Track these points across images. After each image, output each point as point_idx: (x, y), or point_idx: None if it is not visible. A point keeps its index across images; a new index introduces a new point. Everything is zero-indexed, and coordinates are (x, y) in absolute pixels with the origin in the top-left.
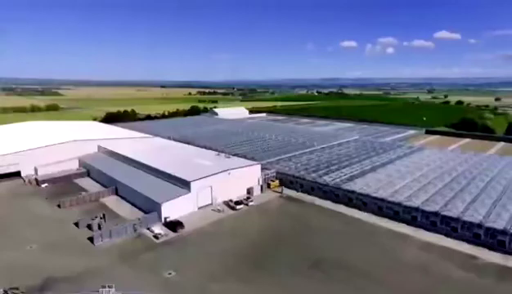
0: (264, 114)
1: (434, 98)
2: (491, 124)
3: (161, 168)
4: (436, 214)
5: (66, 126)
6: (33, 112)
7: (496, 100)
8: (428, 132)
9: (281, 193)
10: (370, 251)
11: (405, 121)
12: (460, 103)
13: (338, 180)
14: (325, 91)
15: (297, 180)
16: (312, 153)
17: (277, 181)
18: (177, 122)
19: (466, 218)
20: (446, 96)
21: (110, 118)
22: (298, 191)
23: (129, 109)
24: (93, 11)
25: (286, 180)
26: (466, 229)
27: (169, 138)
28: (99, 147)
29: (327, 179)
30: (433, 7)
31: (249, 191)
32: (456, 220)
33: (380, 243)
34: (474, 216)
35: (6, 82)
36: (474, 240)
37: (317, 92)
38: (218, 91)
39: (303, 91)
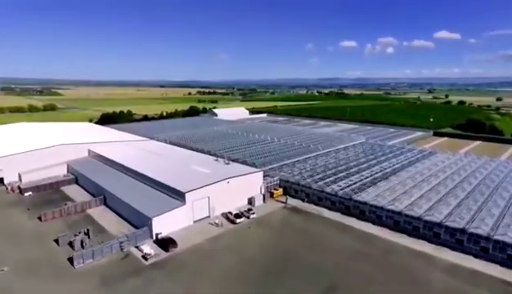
0: (265, 115)
1: (435, 98)
2: (498, 125)
3: (154, 176)
4: (462, 231)
5: (58, 127)
6: (30, 112)
7: (498, 100)
8: (435, 134)
9: (285, 203)
10: (388, 273)
11: (410, 122)
12: (462, 103)
13: (347, 189)
14: (326, 91)
15: (302, 188)
16: (317, 157)
17: (281, 190)
18: (174, 124)
19: (498, 237)
20: (446, 96)
21: (106, 119)
22: (303, 201)
23: (129, 109)
24: (94, 11)
25: (291, 189)
26: (499, 250)
27: (165, 141)
28: (89, 151)
29: (335, 188)
30: (433, 7)
31: (251, 201)
32: (487, 238)
33: (399, 264)
34: (508, 234)
35: (6, 82)
36: (509, 262)
37: (318, 92)
38: (218, 90)
39: (303, 91)
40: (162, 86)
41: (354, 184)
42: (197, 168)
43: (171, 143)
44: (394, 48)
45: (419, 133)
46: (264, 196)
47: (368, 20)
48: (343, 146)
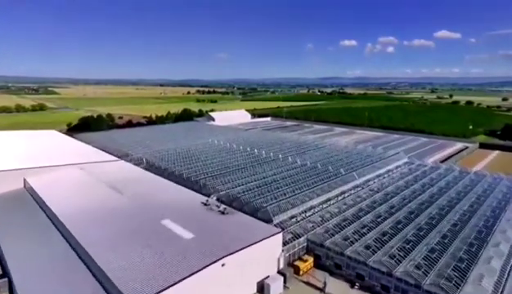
0: (269, 118)
1: (439, 98)
2: None
3: (92, 252)
4: None
5: (9, 138)
6: (17, 112)
7: (503, 100)
8: (482, 146)
9: (323, 291)
10: None
11: (440, 128)
12: (469, 103)
13: (434, 273)
14: (328, 90)
15: (349, 262)
16: (356, 192)
17: (310, 260)
18: (161, 132)
19: None
20: (451, 96)
21: (83, 125)
22: (353, 286)
23: (109, 113)
24: (93, 9)
25: (327, 258)
26: None
27: (141, 161)
28: (25, 182)
29: (411, 268)
30: (434, 6)
31: (263, 288)
32: None
33: None
34: None
35: (4, 81)
36: None
37: (319, 92)
38: (218, 90)
39: (304, 91)
40: (161, 85)
41: (440, 255)
42: (172, 227)
43: (148, 164)
44: (394, 47)
45: (459, 144)
46: (285, 276)
47: (369, 20)
48: (384, 170)
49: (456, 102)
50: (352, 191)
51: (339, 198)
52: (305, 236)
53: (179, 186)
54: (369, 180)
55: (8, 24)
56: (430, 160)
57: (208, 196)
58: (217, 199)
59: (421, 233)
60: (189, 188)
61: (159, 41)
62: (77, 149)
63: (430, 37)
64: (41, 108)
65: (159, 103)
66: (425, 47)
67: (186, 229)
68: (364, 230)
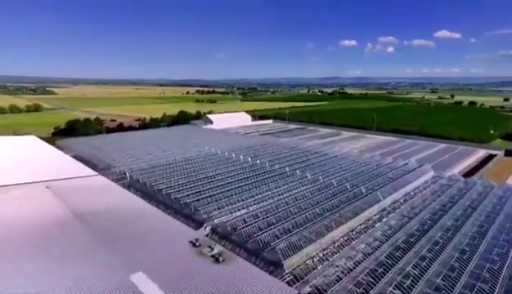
0: (271, 121)
1: (441, 98)
2: None
3: None
4: None
5: None
6: (12, 113)
7: (505, 100)
8: (508, 153)
9: None
10: None
11: (452, 131)
12: (472, 103)
13: None
14: (328, 90)
15: None
16: (380, 216)
17: None
18: (153, 137)
19: None
20: (452, 97)
21: (70, 129)
22: None
23: (97, 117)
24: (92, 8)
25: None
26: None
27: (124, 175)
28: None
29: None
30: (434, 7)
31: None
32: None
33: None
34: None
35: (3, 81)
36: None
37: (320, 92)
38: (218, 89)
39: (304, 91)
40: (161, 85)
41: None
42: (145, 287)
43: (132, 179)
44: (395, 47)
45: (482, 151)
46: None
47: (369, 20)
48: (411, 187)
49: (459, 102)
50: (378, 216)
51: (364, 227)
52: (329, 292)
53: (164, 215)
54: (396, 202)
55: (8, 23)
56: (456, 171)
57: (201, 225)
58: (212, 230)
59: (486, 288)
60: (178, 212)
61: (160, 41)
62: (51, 161)
63: (430, 37)
64: (36, 108)
65: (157, 103)
66: (425, 47)
67: (164, 292)
68: (408, 282)
